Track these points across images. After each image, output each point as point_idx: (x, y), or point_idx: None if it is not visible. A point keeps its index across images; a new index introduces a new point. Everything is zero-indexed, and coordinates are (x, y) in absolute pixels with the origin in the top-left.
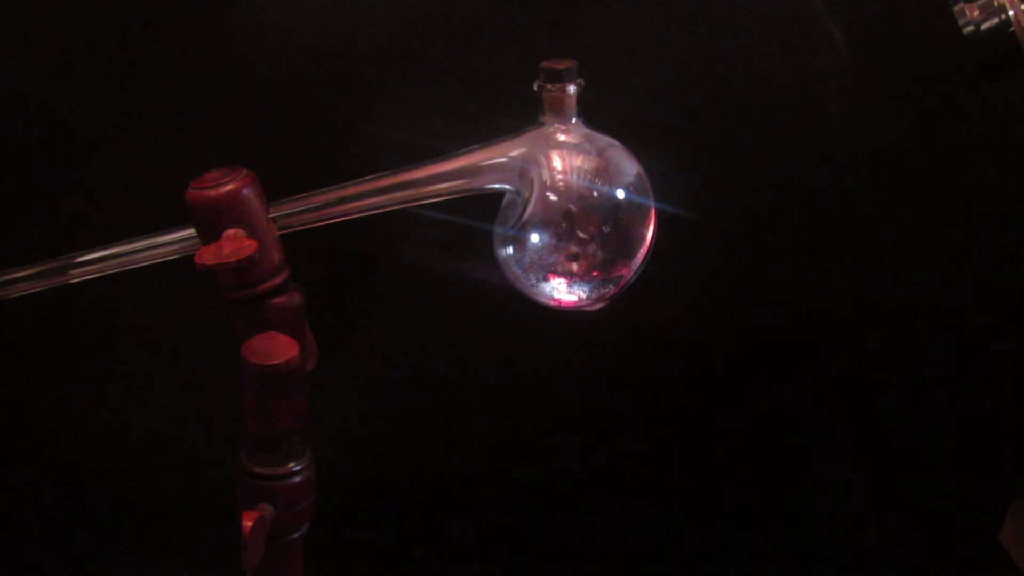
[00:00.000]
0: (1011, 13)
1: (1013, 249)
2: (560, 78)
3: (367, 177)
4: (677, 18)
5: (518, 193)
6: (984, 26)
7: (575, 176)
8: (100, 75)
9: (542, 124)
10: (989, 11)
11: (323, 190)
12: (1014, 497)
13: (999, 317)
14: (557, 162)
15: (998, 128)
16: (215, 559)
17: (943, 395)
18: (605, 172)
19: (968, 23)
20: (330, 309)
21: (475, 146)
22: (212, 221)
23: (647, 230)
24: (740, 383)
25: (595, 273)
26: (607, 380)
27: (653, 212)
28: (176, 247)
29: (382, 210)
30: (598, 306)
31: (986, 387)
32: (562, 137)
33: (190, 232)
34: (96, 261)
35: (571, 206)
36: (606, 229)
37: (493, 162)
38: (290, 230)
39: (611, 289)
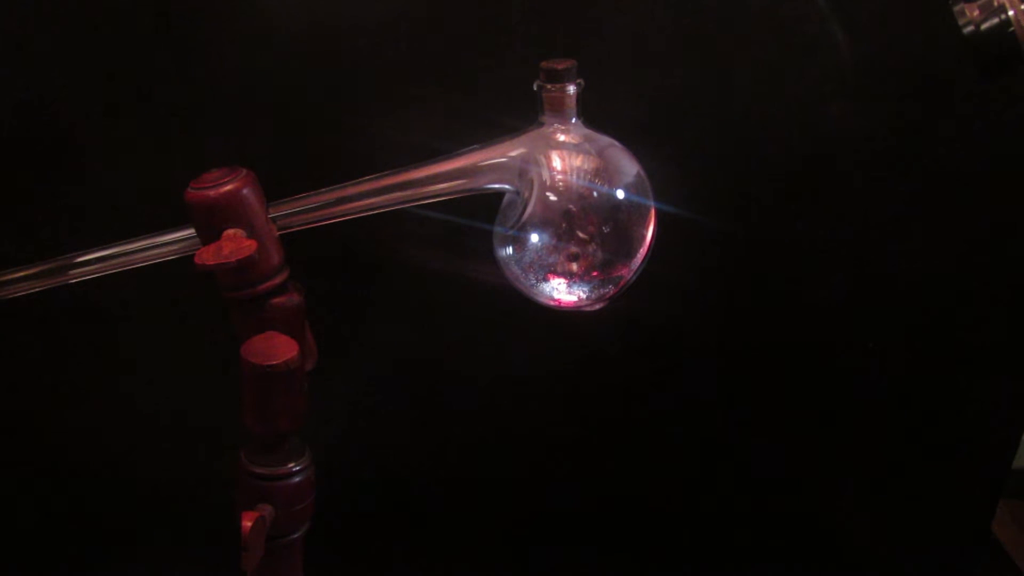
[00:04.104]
0: (1011, 13)
1: (1011, 249)
2: (560, 78)
3: (367, 177)
4: (677, 18)
5: (518, 193)
6: (984, 26)
7: (575, 176)
8: (100, 75)
9: (542, 124)
10: (989, 11)
11: (323, 190)
12: (1005, 493)
13: (996, 316)
14: (557, 162)
15: (998, 128)
16: (215, 559)
17: (940, 394)
18: (605, 172)
19: (968, 23)
20: (330, 309)
21: (475, 146)
22: (212, 221)
23: (647, 230)
24: (740, 383)
25: (595, 273)
26: (607, 380)
27: (653, 212)
28: (176, 247)
29: (382, 210)
30: (598, 306)
31: (982, 386)
32: (562, 137)
33: (190, 232)
34: (96, 261)
35: (571, 206)
36: (606, 229)
37: (493, 162)
38: (290, 230)
39: (611, 289)
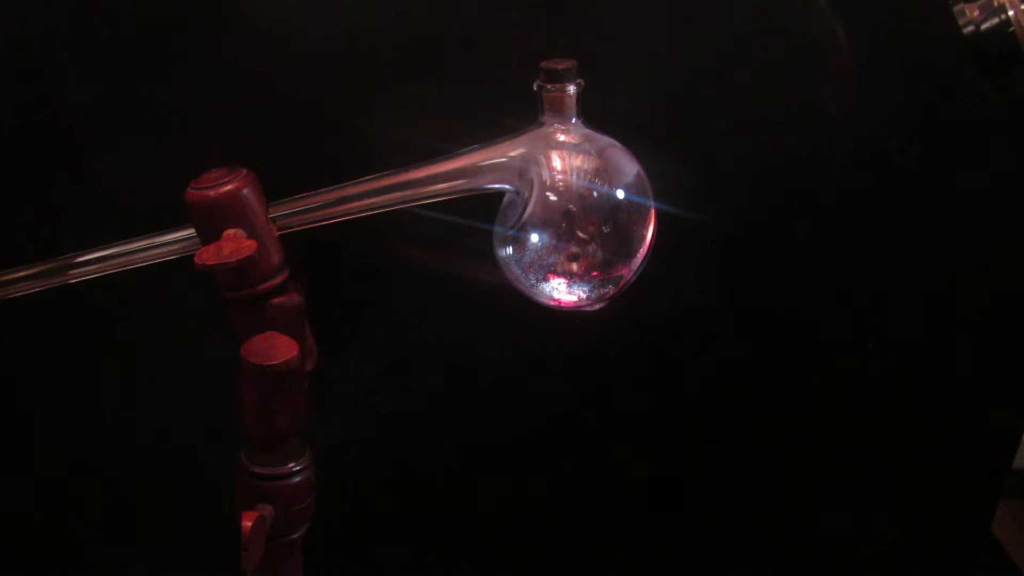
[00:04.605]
0: (1011, 13)
1: (1011, 249)
2: (560, 78)
3: (367, 177)
4: (677, 18)
5: (518, 193)
6: (984, 26)
7: (575, 176)
8: (100, 75)
9: (542, 124)
10: (989, 11)
11: (323, 190)
12: (1005, 493)
13: (996, 316)
14: (557, 162)
15: (998, 128)
16: (215, 559)
17: (940, 394)
18: (605, 172)
19: (968, 23)
20: (330, 309)
21: (475, 146)
22: (212, 221)
23: (647, 230)
24: (740, 383)
25: (595, 273)
26: (607, 380)
27: (653, 212)
28: (176, 247)
29: (382, 210)
30: (598, 306)
31: (982, 386)
32: (562, 137)
33: (190, 232)
34: (96, 261)
35: (571, 206)
36: (606, 229)
37: (493, 162)
38: (290, 230)
39: (611, 289)
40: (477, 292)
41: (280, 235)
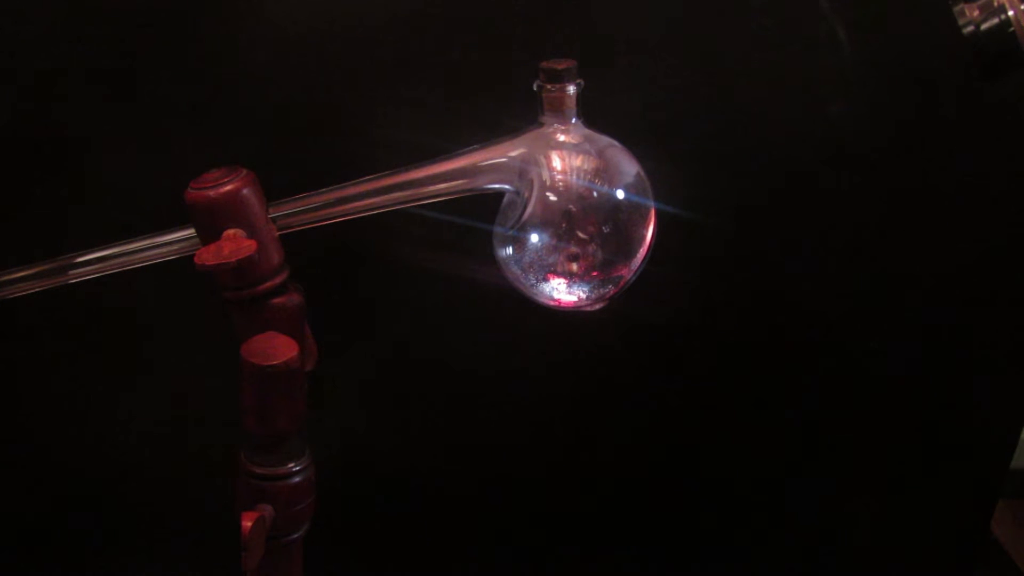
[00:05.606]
0: (1011, 13)
1: (1011, 249)
2: (560, 78)
3: (367, 177)
4: (677, 18)
5: (518, 193)
6: (984, 26)
7: (575, 176)
8: (99, 75)
9: (542, 124)
10: (989, 11)
11: (323, 190)
12: (1005, 493)
13: (996, 316)
14: (557, 162)
15: (998, 128)
16: (215, 559)
17: (940, 394)
18: (605, 172)
19: (968, 23)
20: (330, 309)
21: (475, 146)
22: (212, 221)
23: (647, 230)
24: (740, 383)
25: (595, 273)
26: (607, 380)
27: (653, 212)
28: (176, 247)
29: (382, 210)
30: (598, 306)
31: (982, 386)
32: (562, 137)
33: (190, 232)
34: (96, 261)
35: (571, 206)
36: (606, 229)
37: (493, 162)
38: (290, 230)
39: (611, 289)
40: (477, 292)
41: (280, 235)
